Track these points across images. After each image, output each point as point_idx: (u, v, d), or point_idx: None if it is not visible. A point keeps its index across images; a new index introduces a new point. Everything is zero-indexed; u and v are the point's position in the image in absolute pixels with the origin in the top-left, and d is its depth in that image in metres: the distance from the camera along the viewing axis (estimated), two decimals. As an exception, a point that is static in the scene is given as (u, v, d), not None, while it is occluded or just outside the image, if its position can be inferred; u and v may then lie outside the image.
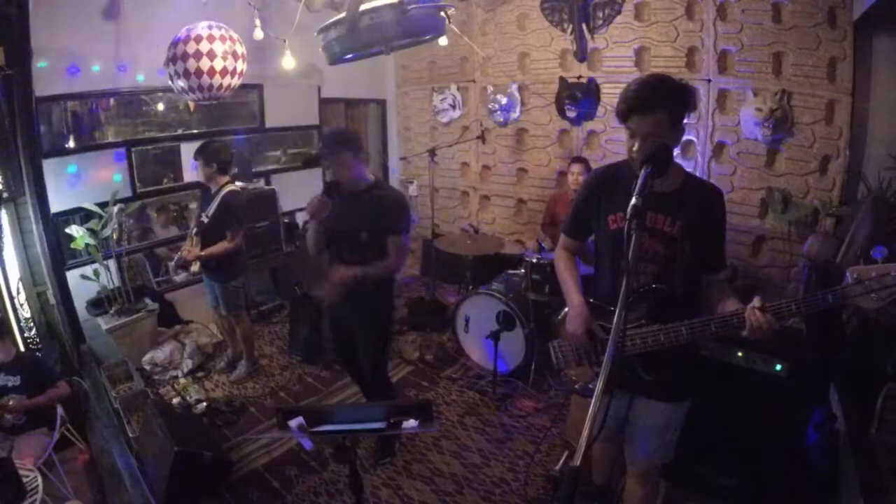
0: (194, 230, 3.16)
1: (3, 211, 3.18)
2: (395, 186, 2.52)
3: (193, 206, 4.02)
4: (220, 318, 3.66)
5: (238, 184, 3.41)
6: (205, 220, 3.12)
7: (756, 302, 1.34)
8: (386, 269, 2.35)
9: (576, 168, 3.60)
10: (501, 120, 4.61)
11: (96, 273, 3.44)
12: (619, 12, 3.79)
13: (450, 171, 5.19)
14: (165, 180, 3.99)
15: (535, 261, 3.25)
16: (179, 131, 4.05)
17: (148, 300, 3.68)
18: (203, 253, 3.09)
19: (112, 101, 3.65)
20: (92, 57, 3.40)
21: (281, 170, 4.78)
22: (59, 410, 2.56)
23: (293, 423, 1.43)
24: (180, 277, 4.16)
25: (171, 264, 3.21)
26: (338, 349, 2.76)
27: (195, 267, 3.17)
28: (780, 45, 3.21)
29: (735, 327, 1.39)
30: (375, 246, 2.31)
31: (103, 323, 3.46)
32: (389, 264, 2.34)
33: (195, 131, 4.11)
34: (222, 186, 3.15)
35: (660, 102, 1.38)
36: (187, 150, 3.98)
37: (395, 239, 2.30)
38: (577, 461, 0.89)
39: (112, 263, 3.53)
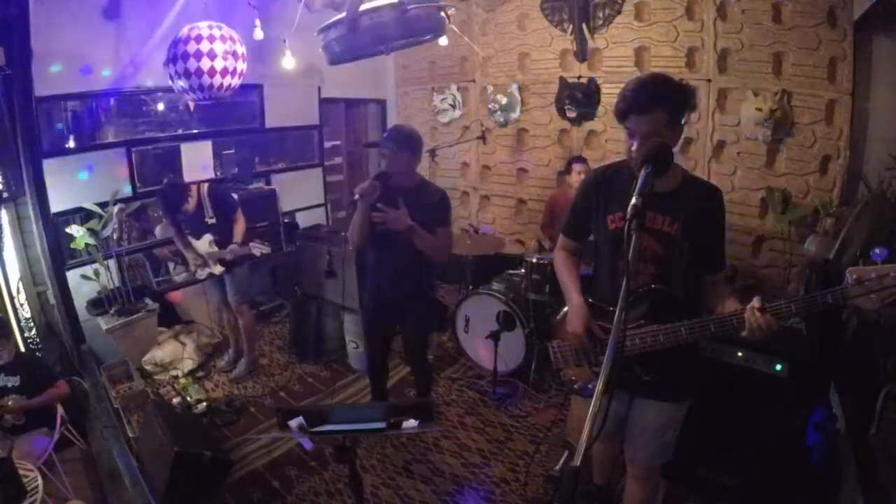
0: (202, 237, 3.22)
1: (3, 211, 3.17)
2: (435, 182, 2.67)
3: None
4: (227, 313, 3.68)
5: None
6: (211, 221, 3.18)
7: (755, 302, 1.34)
8: (433, 242, 2.36)
9: (578, 167, 3.60)
10: (501, 120, 4.61)
11: (96, 273, 3.43)
12: (619, 12, 3.79)
13: (450, 171, 5.19)
14: (165, 180, 3.99)
15: (535, 261, 3.25)
16: (179, 131, 4.05)
17: (148, 300, 3.67)
18: (240, 237, 3.22)
19: (112, 101, 3.65)
20: (92, 57, 3.40)
21: (281, 170, 4.78)
22: (59, 410, 2.56)
23: (293, 423, 1.43)
24: (181, 277, 4.16)
25: (207, 256, 3.25)
26: (372, 334, 2.76)
27: (217, 268, 3.21)
28: (780, 45, 3.20)
29: (734, 328, 1.39)
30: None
31: (103, 323, 3.45)
32: (437, 242, 2.38)
33: (195, 131, 4.11)
34: (198, 189, 3.24)
35: (658, 102, 1.38)
36: (187, 150, 3.98)
37: (443, 230, 2.41)
38: (577, 461, 0.89)
39: (112, 263, 3.53)
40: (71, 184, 3.44)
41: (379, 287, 2.55)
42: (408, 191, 2.35)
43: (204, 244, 3.22)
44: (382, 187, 2.26)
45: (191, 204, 3.17)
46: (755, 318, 1.32)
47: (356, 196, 2.25)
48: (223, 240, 3.23)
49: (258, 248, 3.22)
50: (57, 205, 3.35)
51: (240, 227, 3.28)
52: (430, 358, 3.69)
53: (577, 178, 3.59)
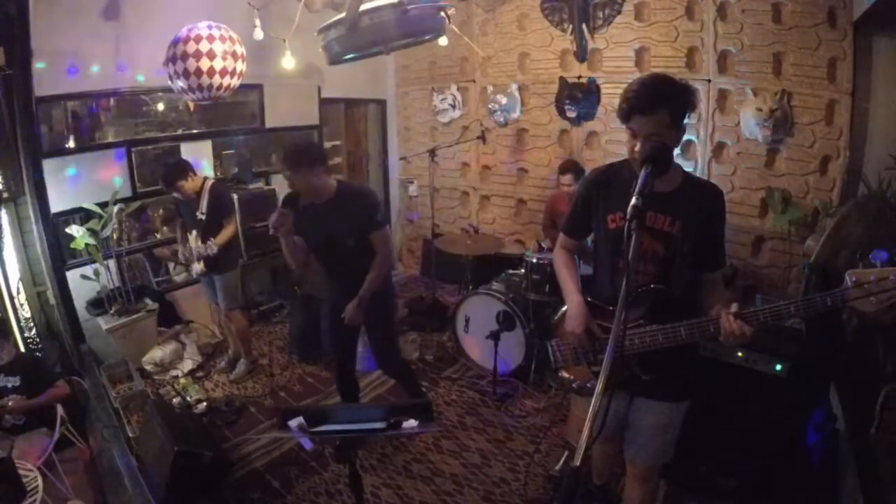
0: (192, 232, 3.19)
1: (3, 211, 3.17)
2: (359, 183, 2.58)
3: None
4: (221, 316, 3.69)
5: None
6: (201, 216, 3.16)
7: (732, 307, 1.36)
8: (379, 271, 2.38)
9: (565, 178, 3.55)
10: (501, 120, 4.61)
11: (96, 273, 3.44)
12: (619, 12, 3.78)
13: (450, 171, 5.19)
14: (161, 186, 3.99)
15: (535, 261, 3.25)
16: (179, 131, 4.05)
17: (148, 300, 3.68)
18: (221, 240, 3.15)
19: (112, 101, 3.65)
20: (92, 57, 3.40)
21: (281, 170, 4.78)
22: (59, 410, 2.56)
23: (293, 423, 1.43)
24: (181, 277, 4.16)
25: (191, 252, 3.20)
26: (335, 346, 2.75)
27: (200, 266, 3.19)
28: (780, 45, 3.20)
29: (712, 333, 1.41)
30: (361, 247, 2.35)
31: (103, 323, 3.46)
32: (380, 262, 2.38)
33: (195, 131, 4.11)
34: (203, 184, 3.22)
35: (661, 103, 1.38)
36: (187, 151, 3.98)
37: (376, 234, 2.34)
38: (577, 461, 0.89)
39: (112, 263, 3.53)
40: (71, 184, 3.45)
41: (336, 292, 2.51)
42: (326, 204, 2.30)
43: (193, 238, 3.22)
44: (301, 208, 2.19)
45: (187, 185, 3.13)
46: (729, 323, 1.34)
47: (271, 231, 2.18)
48: (206, 239, 3.18)
49: (208, 249, 3.16)
50: (57, 205, 3.35)
51: (226, 233, 3.20)
52: (429, 358, 3.70)
53: (566, 189, 3.55)
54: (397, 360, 2.79)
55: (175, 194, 3.19)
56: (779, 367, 2.10)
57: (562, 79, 4.16)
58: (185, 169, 3.18)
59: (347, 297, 2.41)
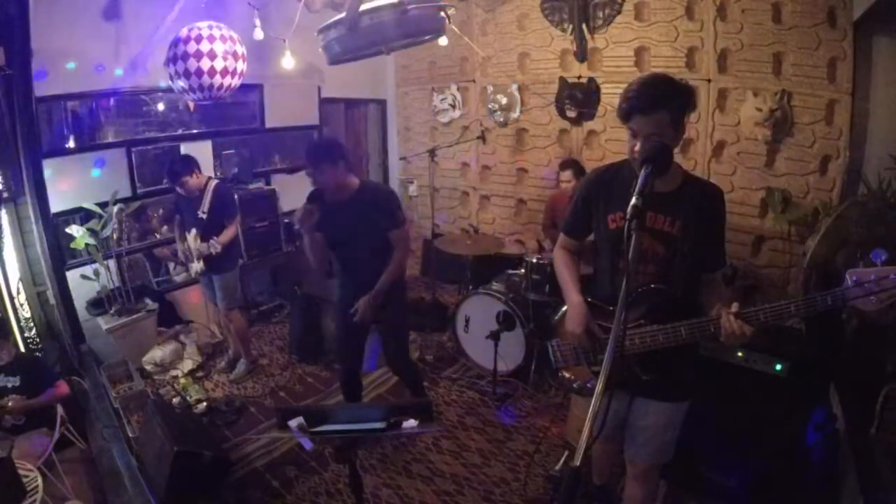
0: (192, 231, 3.19)
1: (3, 211, 3.17)
2: (379, 182, 2.59)
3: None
4: (220, 316, 3.69)
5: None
6: (202, 215, 3.16)
7: (733, 307, 1.36)
8: (396, 268, 2.41)
9: (564, 175, 3.57)
10: (501, 120, 4.61)
11: (96, 273, 3.44)
12: (619, 12, 3.79)
13: (450, 171, 5.19)
14: (165, 180, 4.00)
15: (535, 261, 3.25)
16: (179, 131, 4.05)
17: (148, 300, 3.68)
18: (225, 239, 3.16)
19: (112, 101, 3.65)
20: (92, 57, 3.40)
21: (281, 170, 4.78)
22: (59, 410, 2.56)
23: (293, 423, 1.44)
24: (181, 277, 4.16)
25: (190, 250, 3.20)
26: (344, 344, 2.73)
27: (199, 265, 3.19)
28: (780, 45, 3.20)
29: (712, 333, 1.41)
30: (381, 246, 2.37)
31: (103, 323, 3.46)
32: (398, 259, 2.41)
33: (195, 131, 4.11)
34: (206, 183, 3.23)
35: (661, 103, 1.39)
36: (187, 150, 3.98)
37: (396, 232, 2.38)
38: (577, 461, 0.89)
39: (112, 263, 3.53)
40: (71, 184, 3.44)
41: (350, 290, 2.51)
42: (349, 201, 2.32)
43: (192, 237, 3.22)
44: (323, 205, 2.22)
45: (192, 182, 3.14)
46: (729, 323, 1.34)
47: (296, 227, 2.21)
48: (206, 239, 3.18)
49: (212, 248, 3.16)
50: (57, 205, 3.35)
51: (229, 233, 3.22)
52: (429, 358, 3.70)
53: (565, 186, 3.57)
54: (407, 357, 2.81)
55: (178, 189, 3.20)
56: (779, 367, 2.11)
57: (562, 79, 4.16)
58: (192, 165, 3.18)
59: (360, 295, 2.43)
